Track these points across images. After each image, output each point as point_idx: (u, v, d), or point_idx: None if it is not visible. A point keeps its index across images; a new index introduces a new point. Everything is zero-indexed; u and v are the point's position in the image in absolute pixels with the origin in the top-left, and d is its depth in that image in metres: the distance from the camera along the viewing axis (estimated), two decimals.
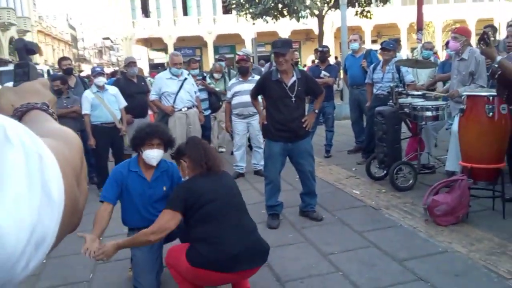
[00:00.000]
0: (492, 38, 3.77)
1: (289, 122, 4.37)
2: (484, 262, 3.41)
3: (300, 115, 4.46)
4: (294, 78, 4.39)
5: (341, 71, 9.53)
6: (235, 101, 6.27)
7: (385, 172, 5.70)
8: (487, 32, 4.01)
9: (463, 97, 4.51)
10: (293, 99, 4.37)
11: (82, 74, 10.92)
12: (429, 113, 5.32)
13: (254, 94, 4.75)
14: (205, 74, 8.17)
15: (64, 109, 6.15)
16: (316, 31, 20.94)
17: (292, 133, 4.41)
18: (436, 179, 4.83)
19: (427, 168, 5.83)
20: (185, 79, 6.25)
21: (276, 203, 4.57)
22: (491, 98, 4.10)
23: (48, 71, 11.92)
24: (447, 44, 7.57)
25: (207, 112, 7.40)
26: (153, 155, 3.28)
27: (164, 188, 3.39)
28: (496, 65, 3.52)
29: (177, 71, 6.14)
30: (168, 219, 2.80)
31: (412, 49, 29.33)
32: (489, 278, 3.18)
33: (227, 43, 32.56)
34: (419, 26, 9.64)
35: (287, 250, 3.88)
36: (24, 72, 0.92)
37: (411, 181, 5.36)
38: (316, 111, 4.70)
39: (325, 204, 5.00)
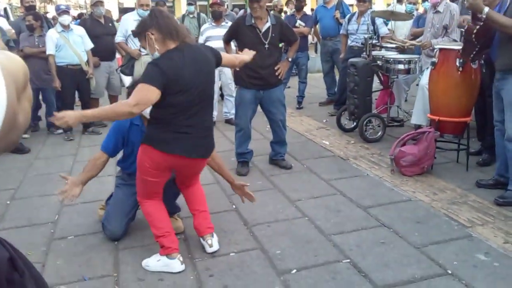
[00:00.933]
0: None
1: (261, 69, 4.28)
2: (445, 210, 3.52)
3: (273, 62, 4.37)
4: (268, 24, 4.27)
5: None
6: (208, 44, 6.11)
7: (355, 124, 5.74)
8: None
9: (435, 50, 4.52)
10: (266, 45, 4.27)
11: (48, 16, 10.33)
12: (401, 66, 5.33)
13: (226, 39, 4.61)
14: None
15: (35, 48, 5.88)
16: None
17: (264, 81, 4.34)
18: (404, 132, 4.89)
19: (396, 121, 5.91)
20: None
21: (246, 150, 4.57)
22: (459, 52, 4.11)
23: (4, 9, 11.22)
24: None
25: None
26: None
27: None
28: (484, 16, 3.46)
29: (144, 13, 5.85)
30: (149, 91, 2.53)
31: (388, 5, 29.14)
32: (449, 225, 3.29)
33: None
34: None
35: (256, 196, 3.88)
36: None
37: (379, 133, 5.44)
38: (290, 59, 4.62)
39: (295, 153, 5.03)
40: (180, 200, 3.33)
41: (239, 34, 4.36)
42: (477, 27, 3.62)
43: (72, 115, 2.50)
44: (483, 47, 3.86)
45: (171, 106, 2.63)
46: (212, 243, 3.02)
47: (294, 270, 2.79)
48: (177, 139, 2.68)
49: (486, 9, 3.44)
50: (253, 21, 4.26)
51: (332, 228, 3.30)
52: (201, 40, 6.21)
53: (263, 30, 4.25)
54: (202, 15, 8.65)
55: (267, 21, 4.27)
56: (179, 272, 2.80)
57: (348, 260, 2.87)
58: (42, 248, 3.15)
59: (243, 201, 3.38)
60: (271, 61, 4.34)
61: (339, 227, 3.31)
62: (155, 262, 2.86)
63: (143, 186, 2.88)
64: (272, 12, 4.95)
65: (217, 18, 6.22)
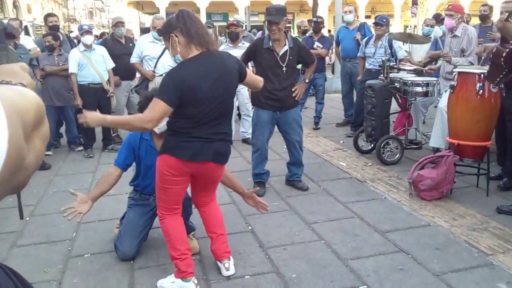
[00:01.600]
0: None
1: (278, 91, 4.31)
2: (465, 237, 3.45)
3: (290, 84, 4.38)
4: (286, 47, 4.29)
5: (334, 44, 9.42)
6: None
7: (372, 145, 5.71)
8: None
9: (454, 73, 4.49)
10: (284, 68, 4.28)
11: (71, 35, 10.57)
12: (419, 89, 5.31)
13: (244, 60, 4.65)
14: None
15: (54, 66, 6.02)
16: (311, 3, 20.62)
17: (281, 102, 4.35)
18: (422, 155, 4.85)
19: (414, 144, 5.85)
20: None
21: (262, 171, 4.57)
22: (482, 76, 4.08)
23: (25, 26, 11.48)
24: (441, 20, 7.51)
25: None
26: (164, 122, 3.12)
27: None
28: None
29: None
30: (161, 107, 2.51)
31: (405, 27, 29.16)
32: (469, 253, 3.22)
33: (220, 11, 31.95)
34: (414, 0, 9.53)
35: (272, 217, 3.89)
36: (2, 55, 0.90)
37: (397, 156, 5.39)
38: (307, 80, 4.64)
39: (311, 174, 5.01)
40: (195, 219, 3.33)
41: (256, 56, 4.39)
42: (507, 50, 3.53)
43: (94, 117, 2.60)
44: (510, 70, 3.74)
45: (188, 118, 2.62)
46: (229, 266, 3.01)
47: None
48: (194, 146, 2.66)
49: None
50: (270, 44, 4.29)
51: (349, 252, 3.26)
52: None
53: (280, 53, 4.27)
54: (220, 38, 8.72)
55: (285, 44, 4.29)
56: None
57: (365, 287, 2.82)
58: (59, 266, 3.17)
59: (259, 210, 3.36)
60: (288, 83, 4.36)
61: (356, 252, 3.26)
62: (169, 284, 2.85)
63: (163, 197, 2.84)
64: (294, 33, 4.99)
65: (234, 39, 6.29)
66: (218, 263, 3.04)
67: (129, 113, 6.93)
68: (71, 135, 6.42)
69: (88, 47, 5.93)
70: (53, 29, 6.52)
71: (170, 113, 2.58)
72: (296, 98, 4.43)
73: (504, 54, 3.51)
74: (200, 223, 3.23)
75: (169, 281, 2.86)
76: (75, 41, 8.02)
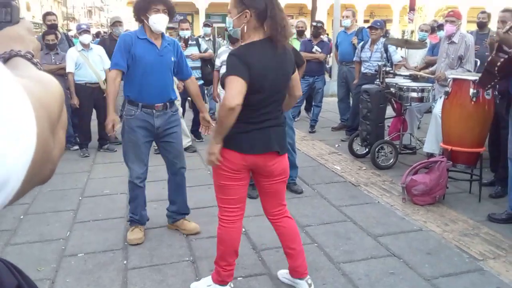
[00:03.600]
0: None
1: None
2: (457, 242, 3.48)
3: None
4: None
5: (333, 47, 9.46)
6: (224, 69, 6.16)
7: (367, 150, 5.74)
8: None
9: (449, 80, 4.54)
10: None
11: (70, 33, 10.58)
12: (414, 94, 5.35)
13: None
14: (199, 38, 7.68)
15: (52, 65, 6.02)
16: (310, 6, 20.66)
17: None
18: (417, 160, 4.89)
19: (408, 149, 5.90)
20: None
21: None
22: (476, 82, 4.12)
23: None
24: (439, 26, 7.56)
25: (199, 82, 6.99)
26: (161, 20, 3.22)
27: (172, 59, 3.39)
28: None
29: None
30: (240, 85, 2.34)
31: (403, 32, 29.25)
32: (460, 258, 3.25)
33: (219, 12, 31.92)
34: (412, 6, 9.60)
35: (265, 219, 3.87)
36: (6, 12, 0.84)
37: (391, 160, 5.43)
38: None
39: (306, 178, 5.03)
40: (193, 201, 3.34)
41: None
42: (502, 59, 3.58)
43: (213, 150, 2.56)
44: (502, 78, 3.80)
45: (248, 105, 2.40)
46: (311, 282, 2.82)
47: None
48: (249, 138, 2.50)
49: None
50: None
51: (341, 256, 3.29)
52: (217, 63, 6.29)
53: None
54: (218, 39, 8.71)
55: None
56: None
57: None
58: (52, 265, 3.18)
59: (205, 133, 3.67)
60: None
61: (348, 255, 3.29)
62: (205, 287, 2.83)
63: (224, 197, 2.65)
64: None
65: (234, 41, 6.30)
66: (298, 280, 2.82)
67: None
68: (66, 134, 6.41)
69: (86, 46, 5.94)
70: (52, 28, 6.53)
71: (245, 89, 2.36)
72: None
73: (498, 64, 3.57)
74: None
75: (205, 284, 2.82)
76: (75, 40, 8.04)
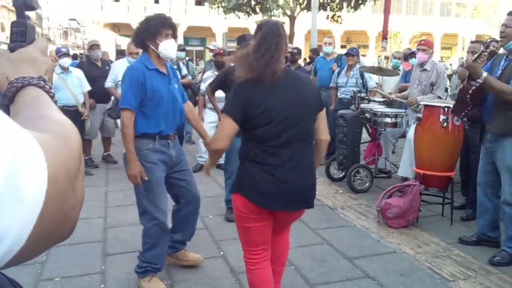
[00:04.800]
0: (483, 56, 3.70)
1: None
2: (429, 264, 3.58)
3: None
4: None
5: (312, 73, 9.65)
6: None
7: (343, 174, 5.86)
8: (491, 46, 3.90)
9: (420, 106, 4.71)
10: None
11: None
12: (388, 120, 5.51)
13: (213, 88, 4.74)
14: (180, 62, 7.72)
15: None
16: (288, 32, 21.11)
17: None
18: (391, 184, 5.01)
19: (383, 173, 6.04)
20: None
21: None
22: (446, 109, 4.29)
23: None
24: (411, 54, 7.84)
25: None
26: (172, 45, 3.00)
27: (176, 86, 3.18)
28: (480, 81, 3.51)
29: (133, 60, 5.96)
30: (229, 127, 2.30)
31: (379, 57, 30.03)
32: (432, 279, 3.35)
33: (197, 36, 32.32)
34: (384, 34, 9.93)
35: None
36: (21, 31, 0.83)
37: (367, 184, 5.55)
38: None
39: None
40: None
41: (227, 84, 4.37)
42: (473, 87, 3.65)
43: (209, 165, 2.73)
44: (475, 106, 3.87)
45: (255, 140, 2.32)
46: None
47: None
48: (269, 189, 2.31)
49: (485, 74, 3.50)
50: None
51: (317, 278, 3.35)
52: (203, 87, 6.33)
53: None
54: (191, 63, 8.79)
55: None
56: None
57: None
58: None
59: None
60: None
61: (324, 277, 3.35)
62: None
63: (246, 238, 2.48)
64: None
65: (220, 67, 6.39)
66: None
67: (102, 137, 6.96)
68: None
69: (65, 69, 5.96)
70: None
71: (235, 130, 2.32)
72: None
73: (470, 92, 3.67)
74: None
75: None
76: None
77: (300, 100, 2.36)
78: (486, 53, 3.54)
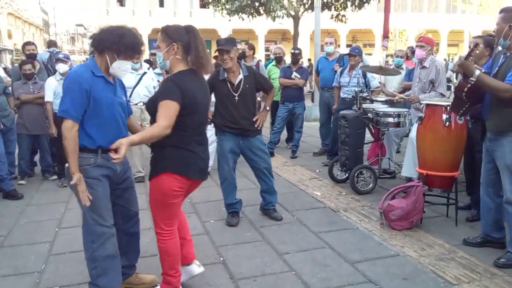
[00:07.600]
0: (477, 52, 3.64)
1: (238, 119, 4.34)
2: (433, 267, 3.51)
3: (249, 113, 4.40)
4: (240, 76, 4.32)
5: (313, 73, 9.58)
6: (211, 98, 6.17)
7: (346, 175, 5.79)
8: (477, 45, 3.88)
9: (422, 105, 4.63)
10: (236, 98, 4.31)
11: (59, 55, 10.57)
12: (391, 120, 5.44)
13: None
14: None
15: (30, 94, 6.02)
16: (293, 32, 21.04)
17: (242, 130, 4.37)
18: (396, 184, 4.93)
19: (387, 173, 5.96)
20: (144, 73, 6.10)
21: (234, 200, 4.56)
22: (448, 108, 4.22)
23: None
24: (413, 52, 7.75)
25: None
26: (129, 68, 2.84)
27: (124, 98, 2.98)
28: (474, 79, 3.46)
29: (135, 65, 5.86)
30: (175, 111, 2.71)
31: (386, 55, 29.86)
32: (436, 282, 3.27)
33: (203, 38, 32.32)
34: (385, 33, 9.85)
35: (243, 248, 3.91)
36: None
37: (371, 185, 5.47)
38: (268, 108, 4.63)
39: (286, 204, 5.05)
40: None
41: (214, 88, 4.32)
42: (468, 85, 3.59)
43: (124, 146, 2.50)
44: (473, 103, 3.81)
45: (186, 127, 2.82)
46: (199, 264, 3.26)
47: None
48: (193, 163, 2.88)
49: (477, 72, 3.43)
50: (225, 75, 4.32)
51: (318, 283, 3.28)
52: None
53: (236, 83, 4.31)
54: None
55: (239, 73, 4.33)
56: None
57: None
58: None
59: None
60: (246, 112, 4.37)
61: (325, 283, 3.29)
62: None
63: (165, 213, 2.92)
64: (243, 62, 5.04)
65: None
66: (189, 266, 3.20)
67: None
68: (45, 164, 6.37)
69: (64, 75, 5.95)
70: (30, 57, 6.55)
71: (177, 112, 2.72)
72: (258, 127, 4.44)
73: (465, 89, 3.61)
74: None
75: None
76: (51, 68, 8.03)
77: (209, 95, 3.10)
78: (477, 51, 3.48)
